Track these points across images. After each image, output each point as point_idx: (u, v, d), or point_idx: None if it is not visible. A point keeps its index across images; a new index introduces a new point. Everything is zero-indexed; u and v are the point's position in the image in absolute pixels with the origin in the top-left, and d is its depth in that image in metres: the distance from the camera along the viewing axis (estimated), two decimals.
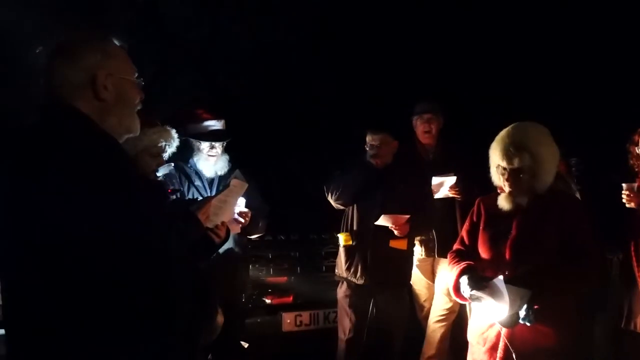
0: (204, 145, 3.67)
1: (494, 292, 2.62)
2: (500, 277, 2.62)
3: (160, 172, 2.86)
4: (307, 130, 6.65)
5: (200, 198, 3.41)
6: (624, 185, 3.29)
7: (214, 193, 3.43)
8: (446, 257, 3.20)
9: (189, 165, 3.71)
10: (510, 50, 6.75)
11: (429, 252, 4.46)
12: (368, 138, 4.08)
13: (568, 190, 3.59)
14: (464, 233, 3.03)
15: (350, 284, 4.11)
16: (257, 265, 4.72)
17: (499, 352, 2.69)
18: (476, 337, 2.84)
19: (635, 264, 3.32)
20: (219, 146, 3.69)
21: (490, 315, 2.69)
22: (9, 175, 1.55)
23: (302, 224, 5.17)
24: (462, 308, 4.26)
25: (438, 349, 4.45)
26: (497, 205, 2.85)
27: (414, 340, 4.51)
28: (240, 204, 3.30)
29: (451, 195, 4.33)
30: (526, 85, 6.69)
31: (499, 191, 2.88)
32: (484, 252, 2.87)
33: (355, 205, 4.11)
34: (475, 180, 3.82)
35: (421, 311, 4.60)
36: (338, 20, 6.86)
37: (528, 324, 2.57)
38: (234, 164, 3.73)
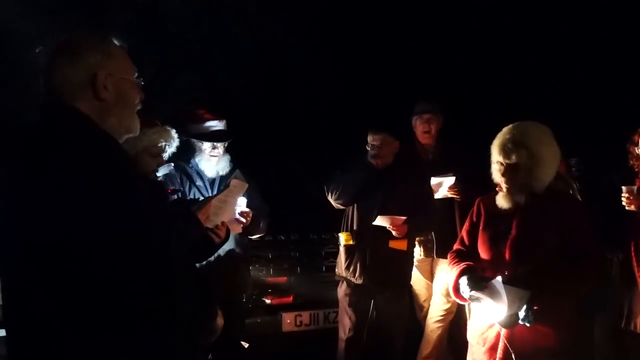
0: (206, 146, 3.67)
1: (493, 293, 2.62)
2: (499, 278, 2.62)
3: (160, 172, 2.85)
4: (307, 130, 6.65)
5: (201, 198, 3.41)
6: (623, 188, 3.29)
7: (215, 193, 3.43)
8: (445, 258, 3.21)
9: (190, 166, 3.71)
10: (511, 50, 6.76)
11: (427, 252, 4.46)
12: (369, 138, 4.08)
13: (568, 191, 3.60)
14: (463, 233, 3.03)
15: (350, 284, 4.11)
16: (257, 265, 4.71)
17: (499, 353, 2.69)
18: (476, 338, 2.84)
19: (635, 264, 3.32)
20: (220, 146, 3.69)
21: (490, 316, 2.69)
22: (9, 175, 1.55)
23: (302, 224, 5.16)
24: (460, 308, 4.26)
25: (435, 348, 4.47)
26: (496, 205, 2.85)
27: (414, 340, 4.52)
28: (242, 204, 3.30)
29: (450, 196, 4.33)
30: (526, 85, 6.70)
31: (497, 189, 2.88)
32: (483, 252, 2.87)
33: (355, 205, 4.11)
34: (474, 181, 3.82)
35: (421, 311, 4.60)
36: (338, 20, 6.87)
37: (527, 325, 2.57)
38: (234, 163, 3.74)
